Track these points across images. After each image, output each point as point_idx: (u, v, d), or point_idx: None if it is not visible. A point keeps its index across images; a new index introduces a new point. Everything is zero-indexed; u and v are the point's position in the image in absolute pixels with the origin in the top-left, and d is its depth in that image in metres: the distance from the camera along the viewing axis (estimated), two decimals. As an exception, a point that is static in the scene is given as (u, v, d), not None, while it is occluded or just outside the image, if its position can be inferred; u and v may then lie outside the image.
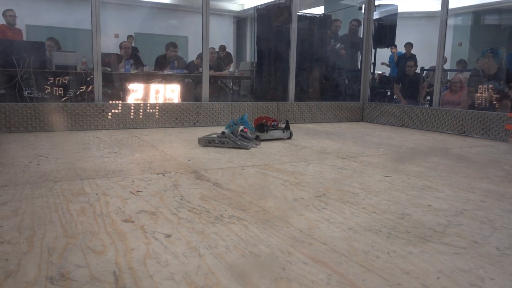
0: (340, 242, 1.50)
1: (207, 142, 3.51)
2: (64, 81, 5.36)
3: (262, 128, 3.88)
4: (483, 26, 10.58)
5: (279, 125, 4.13)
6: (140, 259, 1.32)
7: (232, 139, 3.45)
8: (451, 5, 5.23)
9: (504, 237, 1.60)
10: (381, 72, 8.42)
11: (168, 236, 1.52)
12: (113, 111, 4.66)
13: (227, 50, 8.57)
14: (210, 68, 5.84)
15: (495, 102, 5.35)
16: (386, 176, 2.58)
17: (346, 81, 6.97)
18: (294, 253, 1.39)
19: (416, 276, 1.25)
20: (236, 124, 3.59)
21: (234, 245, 1.45)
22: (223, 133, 3.47)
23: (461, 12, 10.52)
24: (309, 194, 2.14)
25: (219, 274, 1.24)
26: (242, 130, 3.67)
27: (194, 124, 5.09)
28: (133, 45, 7.75)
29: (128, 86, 5.41)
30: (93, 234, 1.52)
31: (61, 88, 5.31)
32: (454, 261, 1.37)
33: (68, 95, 5.41)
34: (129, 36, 8.18)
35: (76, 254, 1.35)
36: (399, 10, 7.01)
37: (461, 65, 7.45)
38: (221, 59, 7.81)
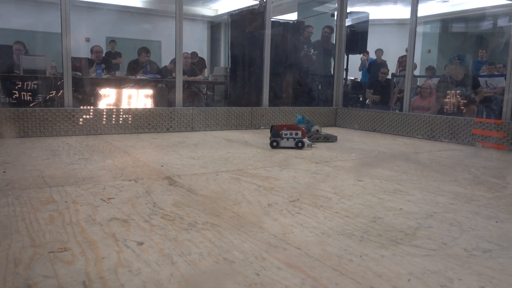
0: (313, 246, 1.51)
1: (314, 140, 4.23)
2: (32, 86, 5.21)
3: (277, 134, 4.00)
4: (451, 33, 10.93)
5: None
6: (111, 268, 1.29)
7: (323, 135, 4.34)
8: (420, 13, 5.38)
9: (472, 238, 1.65)
10: (353, 78, 8.56)
11: (140, 243, 1.50)
12: (84, 116, 4.56)
13: (200, 56, 8.51)
14: (184, 73, 5.80)
15: (462, 107, 5.52)
16: (359, 180, 2.62)
17: (319, 87, 7.05)
18: (268, 259, 1.39)
19: (388, 278, 1.27)
20: (308, 122, 4.41)
21: (208, 252, 1.43)
22: (317, 130, 4.33)
23: (429, 20, 10.85)
24: (283, 199, 2.14)
25: (192, 281, 1.22)
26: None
27: (168, 129, 5.04)
28: (115, 50, 7.61)
29: (99, 91, 5.31)
30: (62, 243, 1.48)
31: (29, 93, 5.17)
32: (424, 263, 1.40)
33: (36, 100, 5.27)
34: (111, 41, 7.98)
35: (44, 264, 1.31)
36: (371, 17, 7.17)
37: (430, 71, 7.67)
38: (195, 64, 7.77)
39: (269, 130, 4.24)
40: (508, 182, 2.71)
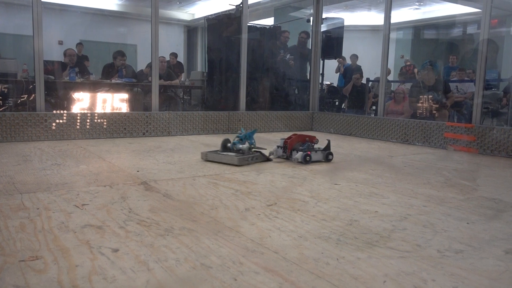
0: (291, 250, 1.52)
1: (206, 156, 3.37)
2: (3, 89, 5.07)
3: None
4: (423, 40, 11.22)
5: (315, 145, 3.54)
6: (85, 276, 1.26)
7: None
8: (393, 20, 5.50)
9: (444, 239, 1.68)
10: (329, 83, 8.67)
11: (115, 250, 1.47)
12: (57, 121, 4.46)
13: (177, 59, 8.48)
14: (160, 77, 5.75)
15: (434, 112, 5.66)
16: (335, 184, 2.64)
17: (296, 91, 7.11)
18: (245, 263, 1.39)
19: (364, 281, 1.29)
20: (242, 140, 3.40)
21: (185, 257, 1.42)
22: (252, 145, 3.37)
23: (402, 26, 11.11)
24: (260, 203, 2.15)
25: (169, 288, 1.21)
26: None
27: (144, 134, 4.98)
28: (82, 53, 7.48)
29: (73, 95, 5.21)
30: (33, 251, 1.44)
31: (-1, 97, 5.03)
32: (399, 264, 1.42)
33: (7, 104, 5.12)
34: (78, 44, 7.85)
35: (15, 273, 1.27)
36: (346, 23, 7.29)
37: (403, 76, 7.84)
38: (171, 68, 7.72)
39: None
40: (478, 184, 2.79)
